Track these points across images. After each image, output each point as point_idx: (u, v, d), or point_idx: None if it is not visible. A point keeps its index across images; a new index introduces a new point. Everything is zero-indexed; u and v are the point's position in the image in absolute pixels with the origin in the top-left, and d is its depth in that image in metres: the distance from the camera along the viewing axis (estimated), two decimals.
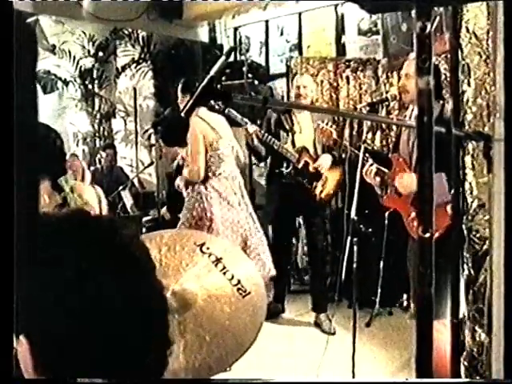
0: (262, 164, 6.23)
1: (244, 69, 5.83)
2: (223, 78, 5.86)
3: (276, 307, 4.82)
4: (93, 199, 2.58)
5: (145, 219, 5.28)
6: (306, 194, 4.58)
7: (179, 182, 4.10)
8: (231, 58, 6.45)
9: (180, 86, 4.05)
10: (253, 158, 6.03)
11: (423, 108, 1.00)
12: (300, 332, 4.61)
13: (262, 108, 4.53)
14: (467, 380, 1.93)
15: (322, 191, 4.55)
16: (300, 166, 4.54)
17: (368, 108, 3.17)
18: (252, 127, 4.51)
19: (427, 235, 1.00)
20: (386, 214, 4.10)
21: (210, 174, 3.96)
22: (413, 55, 3.12)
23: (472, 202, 1.81)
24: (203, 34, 7.13)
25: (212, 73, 1.41)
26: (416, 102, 1.03)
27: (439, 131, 1.50)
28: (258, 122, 4.78)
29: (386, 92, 4.65)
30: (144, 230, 4.98)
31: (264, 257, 4.19)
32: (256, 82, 5.81)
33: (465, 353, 1.99)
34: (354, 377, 2.93)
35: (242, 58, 6.45)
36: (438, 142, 1.28)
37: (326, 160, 4.52)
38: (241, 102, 1.35)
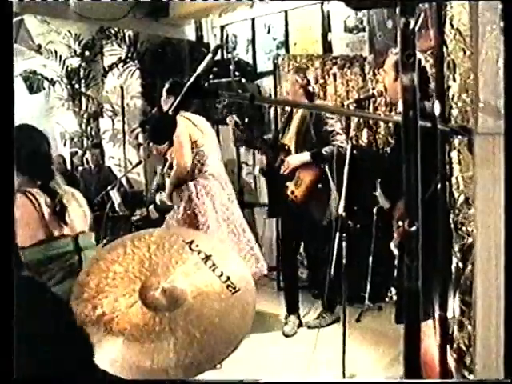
0: (250, 162, 6.26)
1: (231, 67, 5.84)
2: (211, 77, 5.86)
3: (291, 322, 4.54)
4: (83, 201, 2.59)
5: (134, 218, 5.28)
6: (281, 193, 4.45)
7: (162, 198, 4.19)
8: (218, 56, 6.46)
9: (166, 87, 4.08)
10: (241, 157, 6.06)
11: (408, 104, 1.01)
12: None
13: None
14: (468, 380, 1.96)
15: (293, 192, 4.35)
16: (276, 164, 4.41)
17: (355, 104, 3.18)
18: (231, 118, 4.53)
19: (413, 229, 1.01)
20: (375, 209, 4.13)
21: (196, 172, 4.01)
22: (393, 51, 3.14)
23: (459, 196, 1.83)
24: (190, 33, 7.12)
25: (199, 71, 1.41)
26: (401, 98, 1.04)
27: (425, 126, 1.52)
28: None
29: (373, 88, 4.67)
30: (133, 228, 4.99)
31: (256, 252, 4.25)
32: (243, 80, 5.82)
33: (453, 345, 2.02)
34: (344, 372, 2.95)
35: (229, 56, 6.46)
36: (424, 136, 1.29)
37: (293, 158, 4.33)
38: (228, 99, 1.35)
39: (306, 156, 4.30)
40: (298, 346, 4.08)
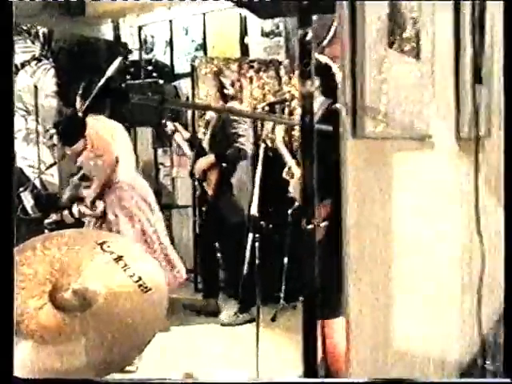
0: (167, 163, 6.26)
1: (149, 68, 5.81)
2: (128, 77, 5.81)
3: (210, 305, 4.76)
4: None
5: (46, 221, 5.14)
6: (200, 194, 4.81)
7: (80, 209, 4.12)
8: (136, 57, 6.43)
9: (79, 92, 3.99)
10: (159, 159, 6.04)
11: (305, 109, 1.08)
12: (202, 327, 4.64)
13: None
14: (467, 380, 2.05)
15: (206, 191, 4.65)
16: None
17: (268, 108, 3.26)
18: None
19: (310, 227, 1.07)
20: (290, 210, 4.22)
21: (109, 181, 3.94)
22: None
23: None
24: (107, 32, 7.02)
25: (109, 73, 1.43)
26: (299, 104, 1.10)
27: (327, 130, 1.60)
28: None
29: (289, 92, 4.79)
30: (46, 231, 4.86)
31: (174, 259, 4.25)
32: (161, 82, 5.81)
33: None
34: (258, 370, 2.99)
35: (149, 56, 6.44)
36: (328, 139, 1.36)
37: (201, 161, 4.60)
38: (138, 102, 1.38)
39: (211, 157, 4.55)
40: (214, 345, 4.11)
